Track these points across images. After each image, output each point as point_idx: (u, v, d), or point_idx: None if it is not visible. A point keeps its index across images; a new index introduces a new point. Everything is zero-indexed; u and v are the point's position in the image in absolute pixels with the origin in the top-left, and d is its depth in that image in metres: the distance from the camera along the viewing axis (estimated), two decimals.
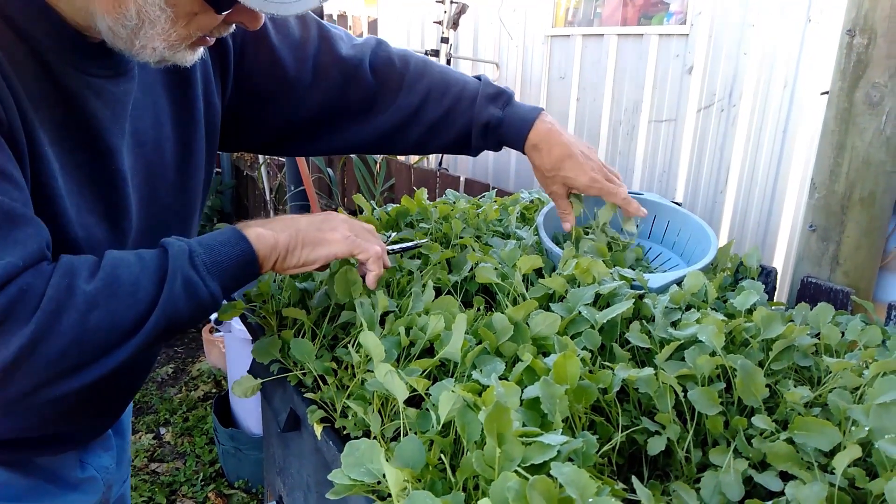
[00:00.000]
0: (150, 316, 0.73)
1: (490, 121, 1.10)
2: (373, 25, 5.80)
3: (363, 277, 0.95)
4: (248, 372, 1.09)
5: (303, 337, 0.95)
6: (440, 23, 2.97)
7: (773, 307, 1.10)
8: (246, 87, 1.08)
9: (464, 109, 1.11)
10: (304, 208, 2.98)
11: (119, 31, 0.75)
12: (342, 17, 5.09)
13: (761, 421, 0.72)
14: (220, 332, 3.07)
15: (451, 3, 2.89)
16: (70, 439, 0.99)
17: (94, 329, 0.69)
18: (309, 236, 0.88)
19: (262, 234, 0.84)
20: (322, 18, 1.18)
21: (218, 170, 4.76)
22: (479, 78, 1.16)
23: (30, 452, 0.94)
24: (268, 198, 3.74)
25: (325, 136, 1.17)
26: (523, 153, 1.12)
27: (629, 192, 1.17)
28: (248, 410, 2.43)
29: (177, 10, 0.74)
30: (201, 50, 0.84)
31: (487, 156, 3.56)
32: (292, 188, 2.98)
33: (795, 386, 0.83)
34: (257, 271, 0.85)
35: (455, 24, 2.95)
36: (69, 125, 0.79)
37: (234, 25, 0.84)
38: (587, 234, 1.23)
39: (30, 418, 0.86)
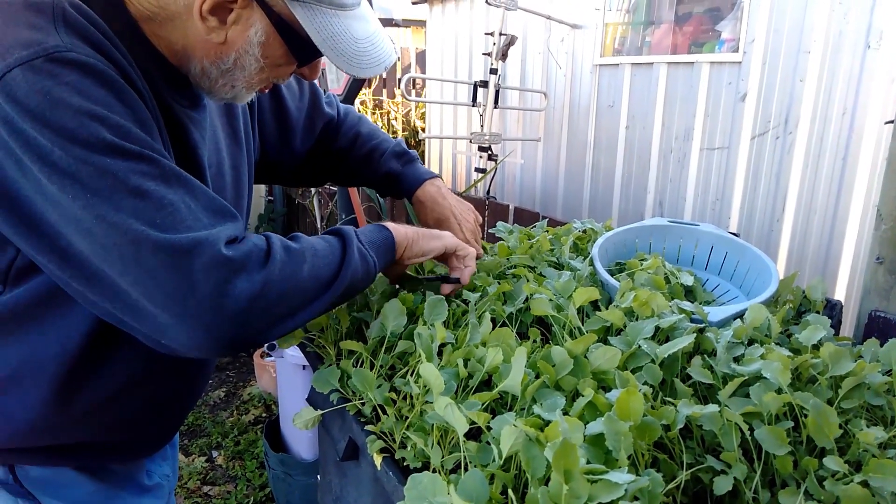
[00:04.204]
0: (339, 273, 0.87)
1: (391, 172, 1.32)
2: (420, 56, 5.91)
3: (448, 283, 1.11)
4: (307, 400, 1.11)
5: (361, 367, 0.97)
6: (489, 54, 3.01)
7: (839, 342, 1.07)
8: (262, 129, 1.24)
9: (376, 159, 1.33)
10: None
11: (211, 72, 0.87)
12: None
13: (833, 462, 0.70)
14: (271, 357, 3.12)
15: (500, 34, 2.93)
16: (140, 447, 1.06)
17: (307, 278, 0.82)
18: (425, 233, 1.07)
19: (396, 226, 1.03)
20: None
21: (270, 198, 4.90)
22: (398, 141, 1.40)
23: (105, 458, 1.02)
24: (318, 226, 3.83)
25: (306, 173, 1.38)
26: (411, 203, 1.34)
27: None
28: (299, 436, 2.45)
29: (268, 61, 0.87)
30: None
31: (535, 183, 3.56)
32: (343, 216, 3.04)
33: (868, 426, 0.80)
34: (394, 256, 1.01)
35: (504, 56, 2.98)
36: (178, 148, 0.90)
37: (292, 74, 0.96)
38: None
39: (115, 418, 0.96)
